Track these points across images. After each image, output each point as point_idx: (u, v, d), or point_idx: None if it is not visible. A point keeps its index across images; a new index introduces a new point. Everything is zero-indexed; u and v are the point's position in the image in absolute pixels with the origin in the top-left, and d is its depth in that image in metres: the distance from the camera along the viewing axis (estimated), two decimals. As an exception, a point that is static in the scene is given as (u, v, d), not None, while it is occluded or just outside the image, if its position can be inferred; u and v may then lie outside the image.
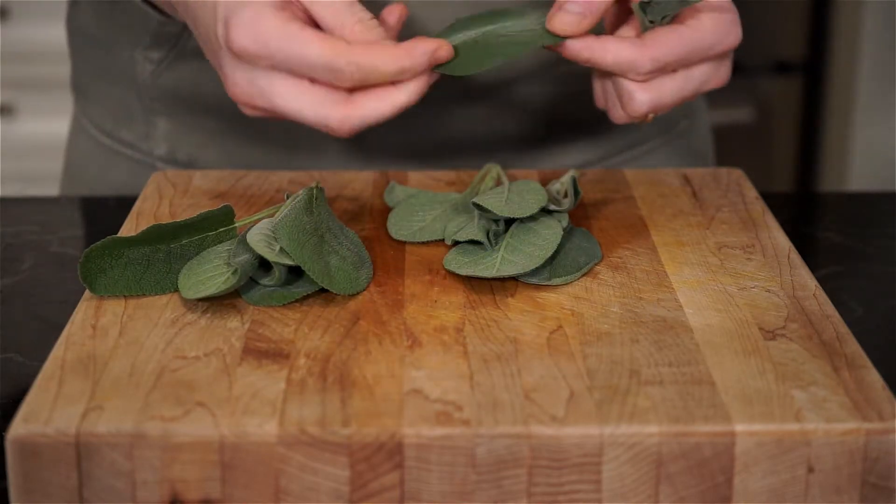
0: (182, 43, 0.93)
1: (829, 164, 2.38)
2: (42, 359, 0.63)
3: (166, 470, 0.57)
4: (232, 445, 0.56)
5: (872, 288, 0.84)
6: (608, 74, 0.76)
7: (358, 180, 0.84)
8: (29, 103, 2.27)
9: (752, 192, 0.83)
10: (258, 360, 0.62)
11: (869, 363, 0.62)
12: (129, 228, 0.77)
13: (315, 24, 0.71)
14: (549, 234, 0.72)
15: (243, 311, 0.66)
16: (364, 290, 0.69)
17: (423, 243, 0.75)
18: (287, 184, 0.83)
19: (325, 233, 0.71)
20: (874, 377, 0.61)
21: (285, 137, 0.95)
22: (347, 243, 0.72)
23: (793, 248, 0.75)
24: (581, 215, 0.79)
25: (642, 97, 0.74)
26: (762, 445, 0.57)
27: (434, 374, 0.61)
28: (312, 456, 0.57)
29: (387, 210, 0.80)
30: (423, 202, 0.79)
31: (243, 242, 0.69)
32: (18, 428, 0.57)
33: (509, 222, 0.73)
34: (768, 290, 0.69)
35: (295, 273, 0.68)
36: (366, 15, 0.71)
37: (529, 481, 0.57)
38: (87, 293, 0.68)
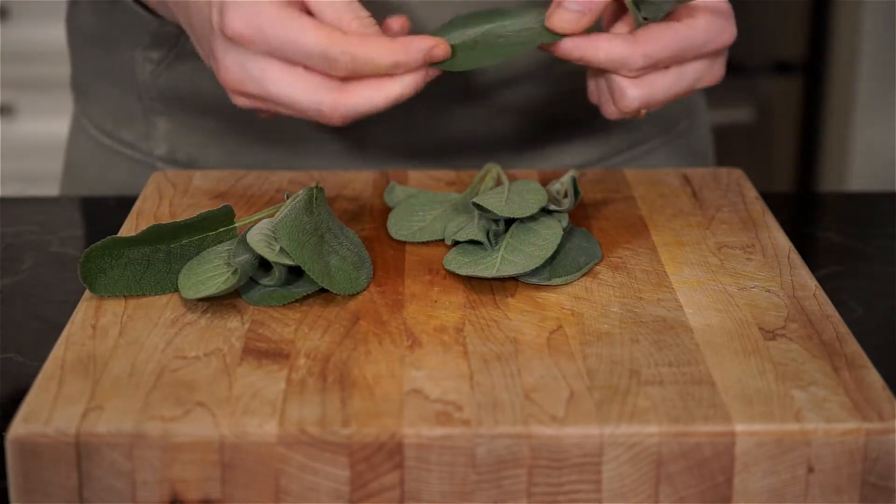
0: (182, 43, 0.93)
1: (829, 164, 2.38)
2: (42, 359, 0.63)
3: (166, 470, 0.57)
4: (232, 445, 0.56)
5: (872, 288, 0.84)
6: (602, 70, 0.76)
7: (358, 180, 0.84)
8: (29, 103, 2.27)
9: (752, 192, 0.83)
10: (258, 360, 0.62)
11: (869, 363, 0.62)
12: (129, 228, 0.77)
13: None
14: (549, 234, 0.72)
15: (243, 311, 0.66)
16: (364, 290, 0.69)
17: (423, 243, 0.75)
18: (287, 184, 0.83)
19: (325, 233, 0.71)
20: (874, 377, 0.61)
21: (285, 137, 0.95)
22: (347, 243, 0.72)
23: (793, 248, 0.75)
24: (581, 215, 0.79)
25: (634, 93, 0.75)
26: (762, 445, 0.57)
27: (434, 374, 0.61)
28: (312, 456, 0.57)
29: (387, 210, 0.80)
30: (423, 202, 0.79)
31: (243, 242, 0.69)
32: (18, 428, 0.57)
33: (509, 222, 0.73)
34: (768, 290, 0.69)
35: (295, 273, 0.68)
36: (364, 13, 0.71)
37: (529, 481, 0.57)
38: (87, 293, 0.68)
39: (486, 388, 0.59)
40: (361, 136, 0.94)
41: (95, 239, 0.69)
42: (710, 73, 0.77)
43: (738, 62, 2.31)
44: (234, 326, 0.65)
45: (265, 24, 0.68)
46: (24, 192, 2.04)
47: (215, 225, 0.72)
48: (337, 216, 0.76)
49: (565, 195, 0.76)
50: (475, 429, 0.57)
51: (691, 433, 0.57)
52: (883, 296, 0.82)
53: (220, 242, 0.71)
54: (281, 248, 0.68)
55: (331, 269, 0.68)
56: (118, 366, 0.61)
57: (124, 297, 0.68)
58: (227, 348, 0.63)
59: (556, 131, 0.97)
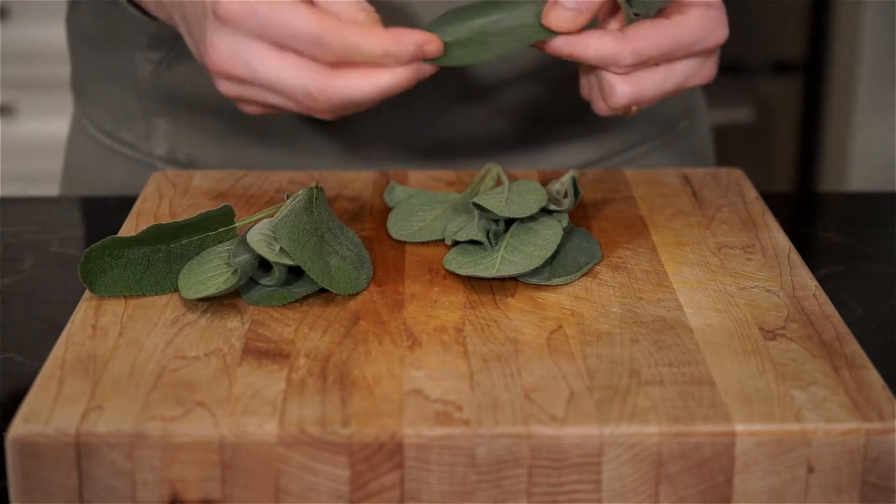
0: (181, 44, 0.93)
1: (829, 164, 2.38)
2: (42, 359, 0.63)
3: (166, 470, 0.57)
4: (232, 445, 0.56)
5: (872, 288, 0.84)
6: (593, 67, 0.76)
7: (358, 180, 0.84)
8: (29, 103, 2.27)
9: (752, 192, 0.83)
10: (258, 360, 0.62)
11: (869, 363, 0.62)
12: (129, 228, 0.77)
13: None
14: (549, 234, 0.72)
15: (243, 311, 0.66)
16: (364, 290, 0.69)
17: (423, 243, 0.75)
18: (287, 184, 0.83)
19: (325, 233, 0.71)
20: (874, 377, 0.61)
21: (285, 138, 0.95)
22: (347, 243, 0.72)
23: (793, 248, 0.75)
24: (581, 215, 0.79)
25: (623, 90, 0.75)
26: (762, 445, 0.57)
27: (434, 374, 0.61)
28: (312, 456, 0.57)
29: (387, 210, 0.80)
30: (423, 202, 0.79)
31: (243, 242, 0.69)
32: (18, 428, 0.57)
33: (509, 222, 0.73)
34: (768, 290, 0.69)
35: (295, 273, 0.68)
36: (370, 8, 0.71)
37: (529, 481, 0.57)
38: (87, 293, 0.68)
39: (486, 388, 0.59)
40: (361, 135, 0.94)
41: (95, 239, 0.69)
42: (700, 71, 0.77)
43: (738, 62, 2.31)
44: (234, 326, 0.65)
45: (258, 5, 0.68)
46: (24, 192, 2.04)
47: (215, 225, 0.72)
48: (337, 216, 0.76)
49: (565, 195, 0.76)
50: (475, 429, 0.57)
51: (691, 433, 0.57)
52: (883, 296, 0.82)
53: (220, 242, 0.71)
54: (281, 248, 0.68)
55: (331, 269, 0.68)
56: (118, 366, 0.61)
57: (124, 297, 0.68)
58: (227, 348, 0.63)
59: (556, 131, 0.97)
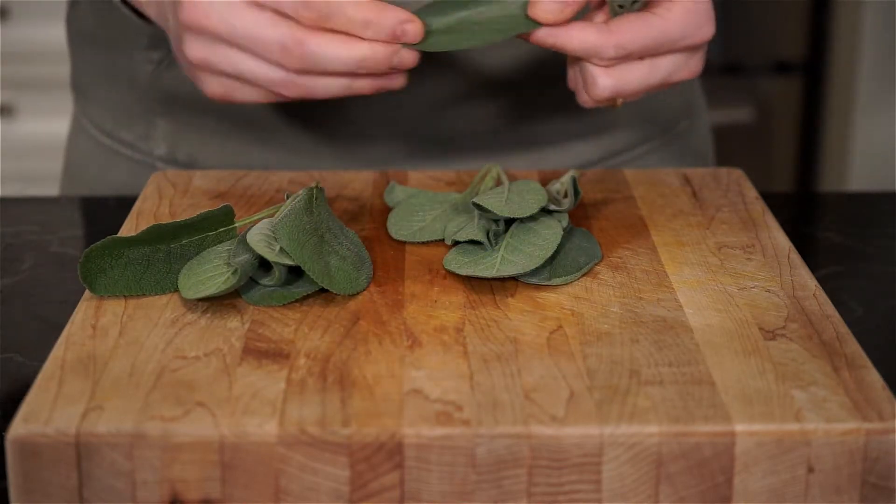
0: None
1: (829, 164, 2.38)
2: (42, 359, 0.63)
3: (166, 470, 0.57)
4: (232, 445, 0.56)
5: (872, 288, 0.84)
6: (578, 58, 0.77)
7: (358, 180, 0.84)
8: (29, 103, 2.27)
9: (752, 192, 0.83)
10: (258, 360, 0.62)
11: (869, 363, 0.62)
12: (129, 228, 0.77)
13: None
14: (549, 234, 0.72)
15: (243, 311, 0.66)
16: (364, 290, 0.69)
17: (423, 243, 0.75)
18: (287, 184, 0.83)
19: (325, 233, 0.71)
20: (874, 377, 0.61)
21: (285, 138, 0.95)
22: (347, 243, 0.72)
23: (793, 248, 0.75)
24: (581, 215, 0.79)
25: (605, 82, 0.75)
26: (762, 445, 0.57)
27: (434, 374, 0.61)
28: (312, 456, 0.57)
29: (387, 210, 0.80)
30: (423, 202, 0.79)
31: (243, 242, 0.69)
32: (18, 428, 0.57)
33: (509, 222, 0.73)
34: (768, 290, 0.69)
35: (295, 273, 0.68)
36: None
37: (529, 481, 0.57)
38: (87, 293, 0.68)
39: (486, 388, 0.59)
40: (361, 135, 0.94)
41: (95, 239, 0.69)
42: (686, 67, 0.77)
43: (738, 62, 2.31)
44: (234, 326, 0.65)
45: None
46: (24, 192, 2.04)
47: (215, 225, 0.72)
48: (337, 216, 0.76)
49: (565, 195, 0.76)
50: (475, 429, 0.57)
51: (691, 433, 0.57)
52: (883, 296, 0.82)
53: (220, 242, 0.71)
54: (281, 248, 0.68)
55: (331, 269, 0.68)
56: (118, 366, 0.61)
57: (124, 297, 0.68)
58: (227, 348, 0.63)
59: (556, 131, 0.97)
